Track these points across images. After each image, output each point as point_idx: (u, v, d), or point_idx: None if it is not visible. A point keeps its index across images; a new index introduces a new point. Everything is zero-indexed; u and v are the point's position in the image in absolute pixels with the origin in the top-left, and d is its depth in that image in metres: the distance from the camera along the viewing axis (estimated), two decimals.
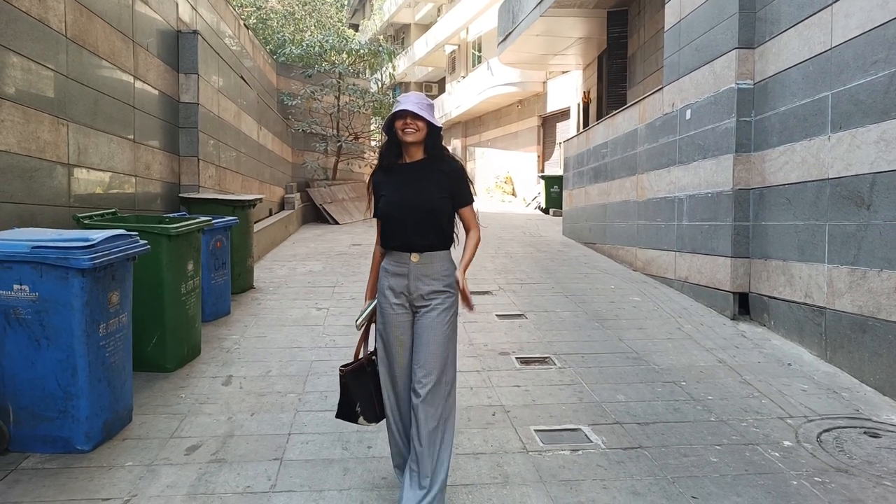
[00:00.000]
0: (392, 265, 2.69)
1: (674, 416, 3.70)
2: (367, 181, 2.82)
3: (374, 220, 2.80)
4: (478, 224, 2.75)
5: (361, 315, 2.80)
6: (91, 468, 3.04)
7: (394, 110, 2.64)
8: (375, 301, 2.76)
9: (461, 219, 2.75)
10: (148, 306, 4.21)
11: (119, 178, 5.69)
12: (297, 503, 2.76)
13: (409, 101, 2.62)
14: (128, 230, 3.64)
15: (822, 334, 4.69)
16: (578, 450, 3.27)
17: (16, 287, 3.05)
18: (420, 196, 2.63)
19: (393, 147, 2.70)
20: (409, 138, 2.61)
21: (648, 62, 11.35)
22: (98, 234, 3.23)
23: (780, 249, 5.29)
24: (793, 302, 5.08)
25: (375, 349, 2.76)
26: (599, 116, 12.92)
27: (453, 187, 2.68)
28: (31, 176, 4.28)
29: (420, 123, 2.60)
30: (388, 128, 2.68)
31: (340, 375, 2.78)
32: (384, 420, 2.80)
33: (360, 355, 2.83)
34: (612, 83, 12.93)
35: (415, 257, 2.63)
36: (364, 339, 2.85)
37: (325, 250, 9.93)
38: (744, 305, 5.81)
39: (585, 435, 3.45)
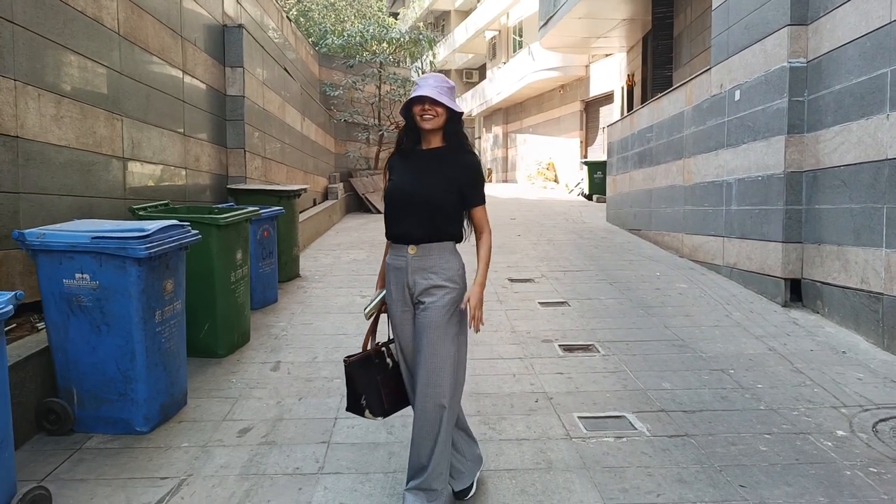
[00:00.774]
0: (392, 258, 2.57)
1: (721, 405, 3.63)
2: (384, 167, 2.69)
3: None
4: (489, 227, 2.57)
5: (370, 304, 2.66)
6: (149, 448, 3.18)
7: (412, 94, 2.47)
8: (384, 291, 2.62)
9: (471, 220, 2.57)
10: (200, 294, 4.35)
11: (170, 170, 5.88)
12: (345, 484, 2.83)
13: (428, 86, 2.43)
14: (180, 221, 3.77)
15: (880, 321, 4.52)
16: (623, 437, 3.25)
17: (77, 276, 3.20)
18: (424, 186, 2.48)
19: (410, 132, 2.55)
20: (428, 125, 2.46)
21: (695, 42, 11.03)
22: (153, 225, 3.36)
23: (834, 234, 5.10)
24: (848, 288, 4.90)
25: (388, 340, 2.68)
26: (644, 100, 12.64)
27: (464, 182, 2.51)
28: (88, 170, 4.47)
29: (439, 109, 2.44)
30: (406, 111, 2.52)
31: (345, 366, 2.66)
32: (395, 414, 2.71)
33: (368, 346, 2.71)
34: (658, 65, 12.63)
35: (412, 249, 2.48)
36: (373, 329, 2.72)
37: (368, 239, 10.06)
38: (795, 292, 5.64)
39: (630, 422, 3.43)
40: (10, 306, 2.42)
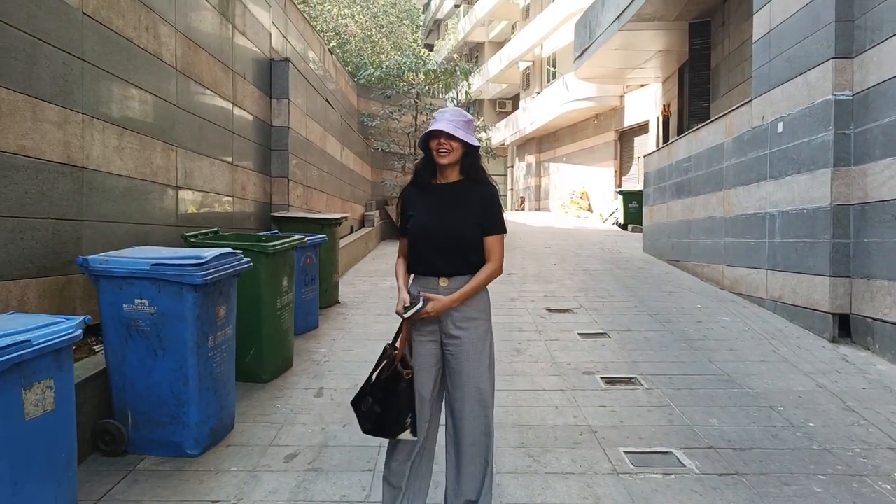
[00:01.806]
0: (421, 290, 2.50)
1: (772, 443, 3.55)
2: (399, 198, 2.65)
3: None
4: (501, 258, 2.52)
5: (413, 309, 2.42)
6: (200, 472, 3.24)
7: (430, 128, 2.47)
8: (421, 302, 2.42)
9: (485, 246, 2.51)
10: (246, 320, 4.45)
11: (219, 198, 6.07)
12: None
13: (444, 119, 2.44)
14: (232, 248, 3.89)
15: None
16: (671, 474, 3.20)
17: (137, 301, 3.32)
18: (452, 223, 2.47)
19: (429, 165, 2.53)
20: (444, 160, 2.46)
21: (734, 74, 10.99)
22: (209, 253, 3.47)
23: (885, 269, 4.99)
24: None
25: (402, 365, 2.47)
26: (680, 130, 12.60)
27: (483, 213, 2.50)
28: (145, 198, 4.65)
29: (455, 144, 2.43)
30: (424, 144, 2.52)
31: (405, 379, 2.43)
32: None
33: (401, 355, 2.49)
34: (694, 96, 12.59)
35: (443, 282, 2.48)
36: (406, 339, 2.51)
37: None
38: (844, 328, 5.50)
39: (678, 459, 3.37)
40: (80, 331, 2.53)
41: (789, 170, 6.21)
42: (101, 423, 3.40)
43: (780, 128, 6.41)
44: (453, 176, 2.53)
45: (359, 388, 2.55)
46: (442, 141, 2.43)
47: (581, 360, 5.10)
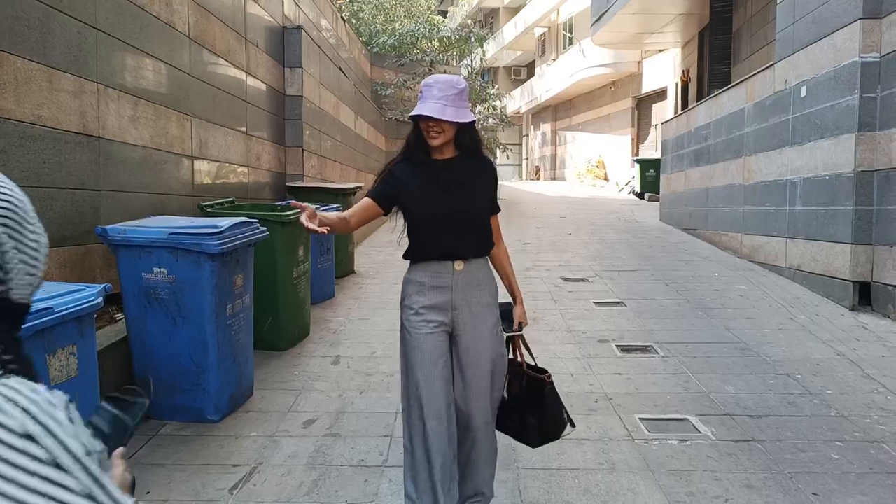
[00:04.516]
0: (429, 277, 2.30)
1: (788, 410, 3.54)
2: (385, 168, 2.39)
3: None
4: (502, 236, 2.49)
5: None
6: (220, 437, 3.31)
7: (416, 109, 2.20)
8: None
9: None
10: (264, 289, 4.49)
11: (234, 168, 6.07)
12: None
13: (431, 98, 2.18)
14: (247, 218, 3.90)
15: None
16: (686, 440, 3.21)
17: (155, 270, 3.36)
18: (468, 203, 2.31)
19: (421, 141, 2.29)
20: (436, 141, 2.24)
21: (756, 37, 10.70)
22: (225, 222, 3.49)
23: None
24: None
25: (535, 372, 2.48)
26: (700, 96, 12.34)
27: (491, 188, 2.41)
28: (161, 168, 4.67)
29: (444, 125, 2.21)
30: (414, 119, 2.28)
31: (548, 384, 2.46)
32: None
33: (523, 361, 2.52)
34: (715, 61, 12.30)
35: (459, 265, 2.28)
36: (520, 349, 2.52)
37: None
38: (864, 295, 5.43)
39: (693, 425, 3.38)
40: (101, 298, 2.57)
41: (812, 135, 6.07)
42: (123, 389, 3.46)
43: (803, 92, 6.25)
44: (448, 151, 2.32)
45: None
46: (431, 123, 2.20)
47: (596, 329, 5.09)
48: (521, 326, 2.46)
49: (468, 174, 2.34)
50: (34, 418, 0.60)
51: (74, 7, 3.68)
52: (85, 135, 3.79)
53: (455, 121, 2.19)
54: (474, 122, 2.30)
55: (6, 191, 0.74)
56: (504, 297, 2.49)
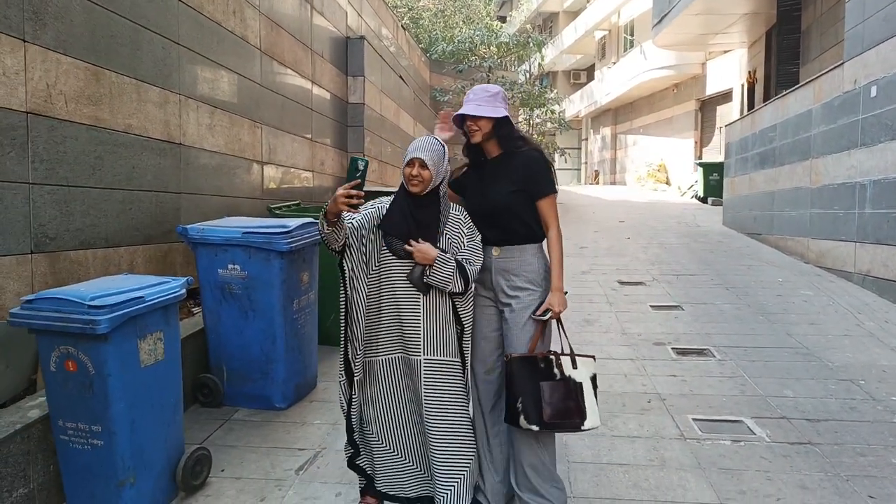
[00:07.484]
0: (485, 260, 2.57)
1: (849, 415, 3.48)
2: (451, 173, 2.62)
3: None
4: (557, 220, 2.53)
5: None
6: (287, 423, 3.53)
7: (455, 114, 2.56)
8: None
9: (540, 213, 2.52)
10: (326, 287, 4.71)
11: (299, 173, 6.38)
12: None
13: (468, 101, 2.51)
14: (313, 219, 4.13)
15: None
16: (740, 441, 3.21)
17: (230, 266, 3.62)
18: (488, 196, 2.53)
19: (472, 146, 2.59)
20: (475, 138, 2.53)
21: (827, 35, 10.34)
22: (293, 222, 3.72)
23: None
24: None
25: (559, 352, 2.45)
26: (767, 98, 11.98)
27: (526, 176, 2.50)
28: (234, 172, 4.98)
29: (481, 122, 2.49)
30: (460, 126, 2.60)
31: (505, 362, 2.48)
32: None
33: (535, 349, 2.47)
34: (783, 61, 11.92)
35: (496, 251, 2.53)
36: (541, 333, 2.48)
37: None
38: None
39: (748, 427, 3.37)
40: (184, 290, 2.81)
41: (883, 136, 5.86)
42: (199, 377, 3.75)
43: (873, 92, 6.04)
44: (495, 150, 2.57)
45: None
46: (468, 123, 2.52)
47: (652, 332, 5.09)
48: (545, 313, 2.44)
49: (505, 169, 2.54)
50: None
51: (160, 24, 4.01)
52: (168, 142, 4.12)
53: (485, 115, 2.46)
54: (507, 116, 2.51)
55: None
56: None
